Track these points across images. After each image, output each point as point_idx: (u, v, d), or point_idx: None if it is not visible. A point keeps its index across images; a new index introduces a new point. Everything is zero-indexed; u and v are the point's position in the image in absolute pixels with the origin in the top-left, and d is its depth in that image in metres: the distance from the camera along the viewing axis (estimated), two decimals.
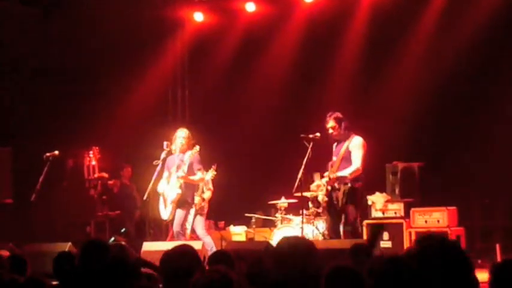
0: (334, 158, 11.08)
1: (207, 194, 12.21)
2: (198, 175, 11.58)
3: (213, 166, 12.25)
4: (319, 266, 4.02)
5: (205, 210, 12.03)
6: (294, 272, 3.89)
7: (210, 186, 12.37)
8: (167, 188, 11.56)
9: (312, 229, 12.16)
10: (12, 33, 14.37)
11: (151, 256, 6.83)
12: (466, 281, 3.56)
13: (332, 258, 4.75)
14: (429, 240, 3.68)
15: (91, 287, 5.37)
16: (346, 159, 10.78)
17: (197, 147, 11.52)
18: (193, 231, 11.78)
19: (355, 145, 10.80)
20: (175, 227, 11.51)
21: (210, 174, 12.21)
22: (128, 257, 5.72)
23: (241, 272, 5.94)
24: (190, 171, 11.52)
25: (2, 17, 14.28)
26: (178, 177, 11.42)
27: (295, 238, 4.57)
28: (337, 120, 10.80)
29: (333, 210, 11.06)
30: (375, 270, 4.74)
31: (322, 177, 11.08)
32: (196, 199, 11.85)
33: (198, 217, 11.65)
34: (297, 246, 4.05)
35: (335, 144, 11.07)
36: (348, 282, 4.01)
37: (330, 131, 10.82)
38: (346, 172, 10.66)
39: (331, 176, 10.62)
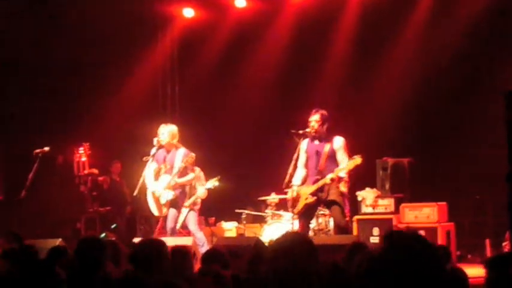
0: (303, 153, 10.89)
1: (204, 195, 12.21)
2: (190, 175, 11.55)
3: (217, 177, 12.25)
4: (318, 262, 4.01)
5: (198, 206, 12.03)
6: (292, 268, 3.89)
7: (203, 182, 12.39)
8: (156, 184, 11.50)
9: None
10: (3, 29, 14.33)
11: None
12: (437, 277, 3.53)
13: (324, 253, 4.78)
14: (396, 237, 3.64)
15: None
16: (331, 158, 10.68)
17: (193, 155, 11.43)
18: (184, 226, 11.78)
19: (341, 146, 10.68)
20: (170, 223, 11.47)
21: (212, 183, 12.19)
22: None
23: (240, 270, 5.95)
24: (183, 172, 11.46)
25: None
26: (171, 185, 11.36)
27: (294, 234, 4.56)
28: (323, 117, 10.68)
29: (312, 210, 11.00)
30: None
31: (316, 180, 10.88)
32: (201, 191, 11.87)
33: (191, 213, 11.62)
34: (295, 242, 4.04)
35: (305, 141, 10.91)
36: None
37: (313, 123, 10.66)
38: (343, 173, 10.57)
39: (335, 176, 10.51)
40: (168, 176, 11.42)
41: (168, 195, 11.37)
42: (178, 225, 11.66)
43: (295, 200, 10.68)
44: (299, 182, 10.79)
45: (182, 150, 11.45)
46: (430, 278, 3.36)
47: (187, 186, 11.69)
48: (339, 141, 10.66)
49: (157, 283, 4.56)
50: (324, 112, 10.67)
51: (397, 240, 3.50)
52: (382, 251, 3.50)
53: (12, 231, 8.60)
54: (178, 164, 11.36)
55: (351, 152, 10.58)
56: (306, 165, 10.90)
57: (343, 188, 11.16)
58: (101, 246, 5.76)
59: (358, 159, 10.29)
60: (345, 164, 10.41)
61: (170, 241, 10.37)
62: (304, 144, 10.81)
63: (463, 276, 5.51)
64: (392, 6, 14.06)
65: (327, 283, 4.27)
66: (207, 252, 6.83)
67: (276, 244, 4.19)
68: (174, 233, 11.42)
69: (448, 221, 12.40)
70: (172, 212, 11.48)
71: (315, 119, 10.61)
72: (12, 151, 13.93)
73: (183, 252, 6.58)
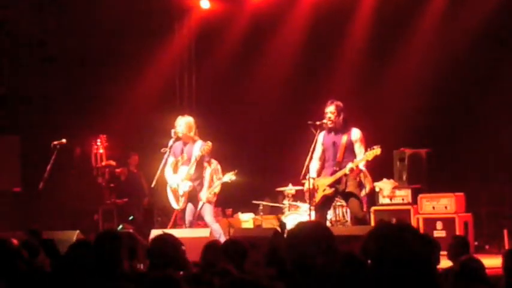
0: (319, 146, 10.87)
1: (218, 188, 12.19)
2: (207, 171, 11.56)
3: (234, 171, 12.23)
4: (336, 250, 4.02)
5: (214, 197, 12.03)
6: (309, 257, 3.89)
7: (220, 175, 12.38)
8: (174, 177, 11.51)
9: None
10: (20, 21, 14.37)
11: None
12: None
13: (342, 244, 4.78)
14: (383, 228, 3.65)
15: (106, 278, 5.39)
16: (349, 150, 10.65)
17: (209, 143, 11.43)
18: (200, 218, 11.79)
19: (359, 138, 10.64)
20: (188, 216, 11.49)
21: (228, 177, 12.17)
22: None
23: (257, 261, 5.96)
24: (199, 164, 11.44)
25: (12, 4, 14.29)
26: (190, 174, 11.38)
27: (310, 223, 4.57)
28: (338, 108, 10.64)
29: (329, 201, 11.00)
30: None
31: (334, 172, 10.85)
32: (209, 195, 11.79)
33: (207, 204, 11.62)
34: (312, 231, 4.04)
35: (322, 134, 10.84)
36: None
37: (329, 115, 10.63)
38: (362, 165, 10.54)
39: (354, 166, 10.48)
40: (185, 167, 11.44)
41: (185, 187, 11.39)
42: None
43: (313, 192, 10.66)
44: (314, 174, 10.78)
45: (200, 143, 11.45)
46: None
47: (205, 179, 11.65)
48: (356, 133, 10.63)
49: (154, 277, 4.57)
50: (339, 103, 10.64)
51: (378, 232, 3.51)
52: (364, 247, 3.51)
53: (32, 228, 8.64)
54: (196, 154, 11.36)
55: (368, 143, 10.56)
56: (321, 158, 10.90)
57: (368, 185, 11.18)
58: (120, 241, 5.76)
59: (377, 150, 10.25)
60: (364, 155, 10.39)
61: (187, 233, 10.42)
62: (320, 137, 10.79)
63: (480, 266, 5.50)
64: None
65: (343, 273, 4.28)
66: (226, 243, 6.83)
67: (291, 233, 4.21)
68: (192, 226, 11.44)
69: (465, 212, 12.39)
70: (190, 205, 11.49)
71: (330, 110, 10.58)
72: (30, 143, 13.99)
73: (214, 247, 6.61)
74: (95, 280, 5.31)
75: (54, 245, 7.27)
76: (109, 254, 5.60)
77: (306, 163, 10.61)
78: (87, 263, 5.60)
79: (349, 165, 10.40)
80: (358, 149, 10.55)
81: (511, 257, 3.85)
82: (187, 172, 11.37)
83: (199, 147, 11.37)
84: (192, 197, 11.43)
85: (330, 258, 4.00)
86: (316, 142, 10.70)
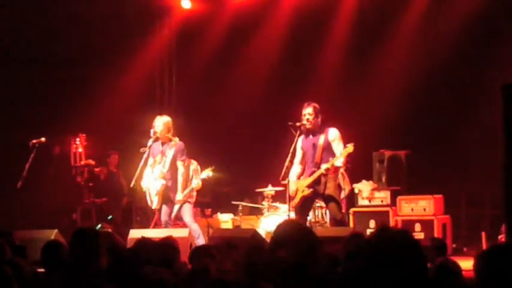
0: (299, 150, 10.89)
1: (199, 185, 12.16)
2: (180, 170, 11.50)
3: (211, 167, 12.22)
4: (318, 251, 4.02)
5: (194, 198, 12.00)
6: (293, 257, 3.89)
7: (199, 174, 12.37)
8: (151, 176, 11.48)
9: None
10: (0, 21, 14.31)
11: None
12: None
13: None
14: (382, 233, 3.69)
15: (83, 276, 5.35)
16: (327, 150, 10.69)
17: (176, 139, 11.42)
18: (179, 218, 11.77)
19: (336, 137, 10.69)
20: (163, 216, 11.47)
21: (206, 173, 12.16)
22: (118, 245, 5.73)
23: (235, 261, 5.95)
24: (173, 163, 11.42)
25: None
26: (164, 173, 11.36)
27: (294, 223, 4.56)
28: (315, 110, 10.71)
29: (308, 203, 11.02)
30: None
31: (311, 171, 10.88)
32: (186, 192, 11.75)
33: (186, 205, 11.60)
34: (297, 231, 4.04)
35: (300, 138, 10.85)
36: None
37: (307, 117, 10.67)
38: (339, 162, 10.58)
39: (330, 165, 10.52)
40: (161, 166, 11.43)
41: (157, 185, 11.34)
42: (172, 215, 11.63)
43: (293, 194, 10.71)
44: (294, 178, 10.83)
45: (172, 143, 11.42)
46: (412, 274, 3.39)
47: (179, 177, 11.59)
48: (333, 132, 10.69)
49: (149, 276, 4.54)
50: (316, 105, 10.72)
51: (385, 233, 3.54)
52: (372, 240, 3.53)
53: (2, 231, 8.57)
54: (170, 153, 11.35)
55: (347, 143, 10.59)
56: (302, 162, 10.94)
57: (347, 187, 11.24)
58: (97, 238, 5.72)
59: (350, 148, 10.34)
60: (341, 160, 10.47)
61: (165, 233, 10.39)
62: (299, 142, 10.84)
63: (457, 269, 5.51)
64: None
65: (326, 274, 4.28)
66: (194, 250, 6.85)
67: (278, 233, 4.18)
68: (168, 226, 11.41)
69: (444, 214, 12.45)
70: (165, 207, 11.46)
71: (308, 112, 10.65)
72: (8, 141, 13.90)
73: (170, 245, 6.61)
74: (72, 278, 5.27)
75: (24, 253, 7.22)
76: (86, 251, 5.56)
77: (286, 164, 10.63)
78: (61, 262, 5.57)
79: (324, 165, 10.47)
80: (336, 147, 10.60)
81: (483, 260, 3.86)
82: (160, 170, 11.35)
83: (171, 146, 11.38)
84: (166, 196, 11.40)
85: (313, 260, 4.00)
86: (295, 146, 10.73)
